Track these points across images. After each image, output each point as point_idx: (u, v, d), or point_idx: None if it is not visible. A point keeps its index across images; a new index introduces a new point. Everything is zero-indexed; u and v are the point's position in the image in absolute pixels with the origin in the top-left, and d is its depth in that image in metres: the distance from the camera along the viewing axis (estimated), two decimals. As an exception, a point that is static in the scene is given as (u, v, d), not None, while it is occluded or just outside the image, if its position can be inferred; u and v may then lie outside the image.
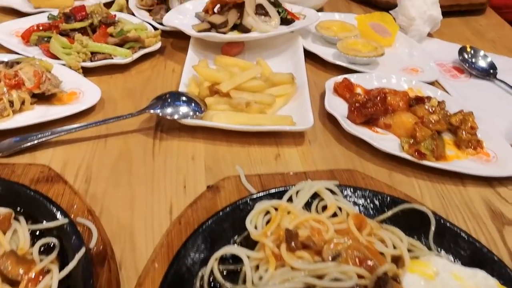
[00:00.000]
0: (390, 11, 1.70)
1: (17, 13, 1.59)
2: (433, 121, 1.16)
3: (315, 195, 0.88)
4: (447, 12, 1.68)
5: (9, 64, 1.21)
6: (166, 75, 1.39)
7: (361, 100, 1.19)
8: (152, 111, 1.15)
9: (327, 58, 1.43)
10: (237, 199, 0.92)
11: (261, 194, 0.88)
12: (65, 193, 0.93)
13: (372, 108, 1.17)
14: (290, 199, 0.87)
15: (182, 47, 1.49)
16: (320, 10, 1.74)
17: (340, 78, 1.31)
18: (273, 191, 0.89)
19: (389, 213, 0.87)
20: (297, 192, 0.88)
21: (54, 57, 1.34)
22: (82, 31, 1.43)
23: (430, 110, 1.20)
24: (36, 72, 1.18)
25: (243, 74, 1.24)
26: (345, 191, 0.90)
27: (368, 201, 0.89)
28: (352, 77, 1.32)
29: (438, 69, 1.46)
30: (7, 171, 0.96)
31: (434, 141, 1.11)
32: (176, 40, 1.53)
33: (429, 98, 1.26)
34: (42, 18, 1.51)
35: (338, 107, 1.24)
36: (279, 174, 1.01)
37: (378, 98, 1.22)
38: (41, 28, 1.43)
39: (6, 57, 1.30)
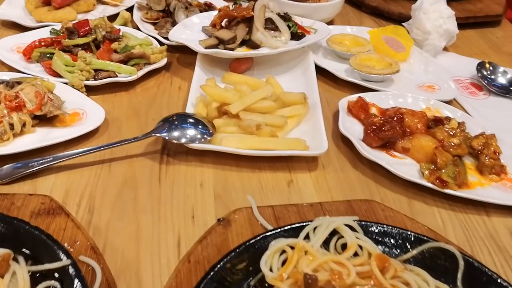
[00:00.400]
0: (404, 24, 1.64)
1: (19, 27, 1.53)
2: (454, 145, 1.11)
3: (334, 231, 0.83)
4: (462, 24, 1.62)
5: (10, 84, 1.16)
6: (172, 92, 1.33)
7: (377, 123, 1.13)
8: (158, 134, 1.09)
9: (340, 75, 1.38)
10: (249, 234, 0.87)
11: (276, 231, 0.82)
12: (68, 227, 0.87)
13: (390, 131, 1.12)
14: (307, 236, 0.82)
15: (189, 62, 1.44)
16: (330, 22, 1.68)
17: (354, 97, 1.26)
18: (288, 227, 0.83)
19: (414, 252, 0.81)
20: (314, 229, 0.83)
21: (57, 74, 1.29)
22: (86, 46, 1.38)
23: (450, 133, 1.14)
24: (37, 93, 1.13)
25: (253, 95, 1.18)
26: (366, 227, 0.84)
27: (391, 238, 0.83)
28: (367, 96, 1.26)
29: (455, 86, 1.40)
30: (7, 203, 0.91)
31: (456, 167, 1.05)
32: (183, 55, 1.47)
33: (448, 118, 1.20)
34: (44, 33, 1.46)
35: (352, 129, 1.18)
36: (293, 205, 0.95)
37: (395, 119, 1.17)
38: (43, 43, 1.38)
39: (7, 76, 1.26)
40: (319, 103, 1.22)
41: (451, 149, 1.10)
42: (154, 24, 1.58)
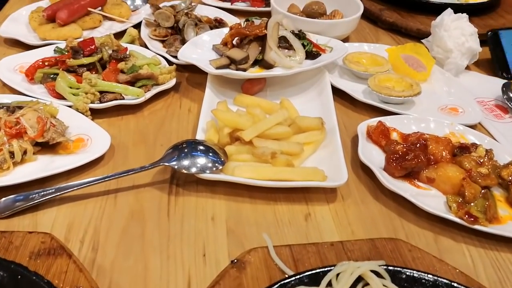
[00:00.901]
0: (423, 40, 1.57)
1: (22, 45, 1.47)
2: (482, 175, 1.03)
3: (359, 278, 0.76)
4: (484, 40, 1.54)
5: (11, 109, 1.10)
6: (182, 115, 1.27)
7: (400, 151, 1.06)
8: (167, 164, 1.03)
9: (358, 97, 1.31)
10: (266, 278, 0.80)
11: (295, 277, 0.75)
12: (69, 269, 0.81)
13: (413, 160, 1.05)
14: (329, 284, 0.75)
15: (199, 82, 1.37)
16: (346, 39, 1.61)
17: (373, 121, 1.19)
18: (309, 273, 0.76)
19: (447, 303, 0.74)
20: (337, 275, 0.76)
21: (60, 97, 1.23)
22: (91, 66, 1.32)
23: (478, 162, 1.07)
24: (39, 119, 1.07)
25: (267, 120, 1.12)
26: (393, 273, 0.77)
27: (420, 286, 0.76)
28: (387, 120, 1.19)
29: (480, 108, 1.33)
30: (4, 242, 0.85)
31: (486, 200, 0.98)
32: (192, 74, 1.41)
33: (474, 145, 1.13)
34: (48, 51, 1.40)
35: (373, 156, 1.11)
36: (312, 244, 0.88)
37: (418, 145, 1.10)
38: (46, 63, 1.32)
39: (8, 98, 1.20)
40: (336, 128, 1.15)
41: (480, 180, 1.03)
42: (162, 41, 1.52)
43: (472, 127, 1.25)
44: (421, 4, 1.78)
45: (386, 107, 1.28)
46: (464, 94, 1.35)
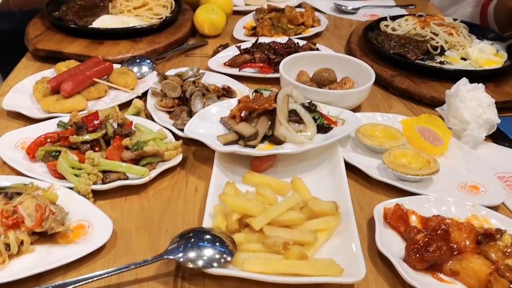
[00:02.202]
0: (437, 109, 1.52)
1: (25, 117, 1.43)
2: (510, 268, 0.96)
3: None
4: (501, 108, 1.49)
5: (9, 196, 1.05)
6: (188, 196, 1.21)
7: (421, 241, 0.99)
8: (172, 257, 0.96)
9: (373, 175, 1.24)
10: None
11: None
12: None
13: (436, 252, 0.97)
14: None
15: (206, 157, 1.32)
16: (358, 106, 1.56)
17: (390, 203, 1.12)
18: None
19: None
20: None
21: (62, 176, 1.18)
22: (95, 142, 1.27)
23: (505, 252, 1.00)
24: (38, 207, 1.01)
25: (279, 206, 1.05)
26: None
27: None
28: (405, 202, 1.13)
29: (501, 184, 1.26)
30: None
31: (517, 299, 0.90)
32: (199, 148, 1.35)
33: (499, 231, 1.06)
34: (52, 126, 1.36)
35: (392, 244, 1.04)
36: None
37: (439, 232, 1.03)
38: (49, 140, 1.27)
39: (7, 180, 1.15)
40: (352, 212, 1.09)
41: (507, 274, 0.95)
42: (169, 112, 1.48)
43: (495, 207, 1.18)
44: (434, 71, 1.73)
45: (403, 186, 1.21)
46: (484, 170, 1.29)
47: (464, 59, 1.86)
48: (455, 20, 2.03)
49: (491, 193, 1.21)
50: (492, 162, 1.35)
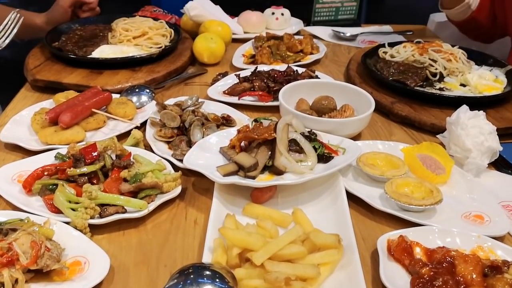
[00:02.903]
0: (438, 136, 1.51)
1: (23, 149, 1.42)
2: (519, 303, 0.93)
3: None
4: (502, 135, 1.47)
5: (3, 232, 1.03)
6: (188, 228, 1.19)
7: (426, 275, 0.97)
8: (170, 295, 0.94)
9: (376, 205, 1.22)
10: None
11: None
12: None
13: (442, 287, 0.95)
14: None
15: (206, 188, 1.30)
16: (358, 133, 1.55)
17: (394, 234, 1.10)
18: None
19: None
20: None
21: (59, 211, 1.16)
22: (93, 174, 1.26)
23: (512, 285, 0.97)
24: (34, 243, 0.99)
25: (280, 240, 1.03)
26: None
27: None
28: (409, 233, 1.11)
29: (506, 213, 1.24)
30: None
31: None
32: (199, 179, 1.33)
33: (506, 263, 1.03)
34: (50, 158, 1.34)
35: (396, 277, 1.02)
36: None
37: (444, 265, 1.01)
38: (46, 173, 1.26)
39: (2, 215, 1.12)
40: (355, 245, 1.06)
41: (517, 308, 0.93)
42: (168, 142, 1.47)
43: (501, 237, 1.16)
44: (434, 97, 1.73)
45: (406, 216, 1.19)
46: (488, 199, 1.27)
47: (463, 85, 1.85)
48: (453, 46, 2.03)
49: (496, 223, 1.19)
50: (495, 190, 1.33)
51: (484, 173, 1.40)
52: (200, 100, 1.65)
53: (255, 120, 1.42)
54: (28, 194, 1.23)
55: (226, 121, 1.56)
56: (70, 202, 1.16)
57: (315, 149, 1.31)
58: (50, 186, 1.22)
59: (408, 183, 1.27)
